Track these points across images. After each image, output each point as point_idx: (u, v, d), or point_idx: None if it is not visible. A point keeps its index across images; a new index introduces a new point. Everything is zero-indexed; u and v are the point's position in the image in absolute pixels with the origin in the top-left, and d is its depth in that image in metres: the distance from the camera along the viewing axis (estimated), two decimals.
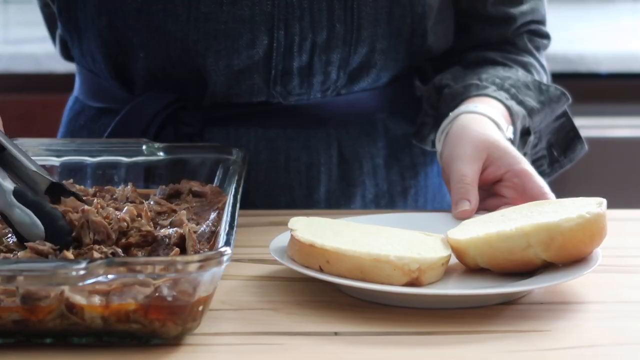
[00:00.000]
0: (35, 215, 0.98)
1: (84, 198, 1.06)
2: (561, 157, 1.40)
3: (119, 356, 0.88)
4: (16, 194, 0.98)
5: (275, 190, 1.36)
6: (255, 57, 1.30)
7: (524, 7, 1.40)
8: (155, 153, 1.26)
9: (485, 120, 1.27)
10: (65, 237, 0.98)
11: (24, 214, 0.98)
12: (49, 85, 2.47)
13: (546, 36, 1.45)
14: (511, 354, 0.89)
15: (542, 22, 1.44)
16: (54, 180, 1.04)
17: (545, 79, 1.43)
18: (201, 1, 1.28)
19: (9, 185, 0.99)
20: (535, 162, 1.39)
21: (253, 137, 1.35)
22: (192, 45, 1.30)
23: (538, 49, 1.44)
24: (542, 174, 1.40)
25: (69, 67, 2.44)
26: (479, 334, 0.94)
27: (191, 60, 1.31)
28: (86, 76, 1.43)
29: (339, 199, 1.38)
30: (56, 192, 1.04)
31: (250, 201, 1.35)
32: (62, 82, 2.41)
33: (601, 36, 2.67)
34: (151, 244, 1.00)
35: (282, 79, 1.32)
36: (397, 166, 1.42)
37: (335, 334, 0.93)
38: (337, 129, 1.37)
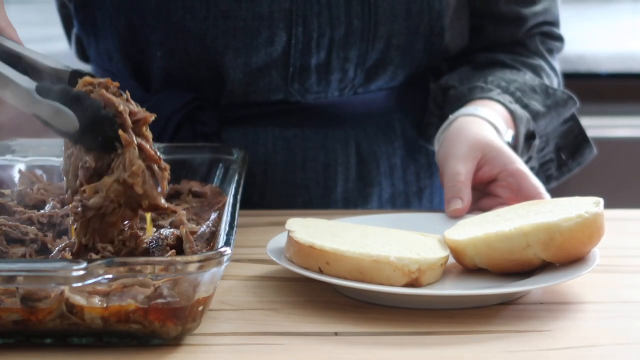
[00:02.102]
0: (64, 104, 0.94)
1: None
2: (569, 160, 1.40)
3: (119, 356, 0.88)
4: (39, 89, 0.95)
5: (292, 191, 1.37)
6: (273, 54, 1.30)
7: (537, 8, 1.41)
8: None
9: (483, 123, 1.27)
10: (99, 112, 0.95)
11: (52, 108, 0.95)
12: None
13: (559, 39, 1.45)
14: (511, 354, 0.89)
15: (555, 23, 1.44)
16: (73, 69, 1.01)
17: (555, 82, 1.43)
18: None
19: (30, 84, 0.96)
20: (543, 166, 1.39)
21: (270, 137, 1.35)
22: (211, 43, 1.30)
23: (550, 51, 1.44)
24: (550, 177, 1.40)
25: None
26: (478, 334, 0.94)
27: (209, 58, 1.31)
28: (102, 76, 1.43)
29: (355, 199, 1.38)
30: (79, 78, 1.01)
31: (267, 201, 1.35)
32: None
33: (601, 36, 2.68)
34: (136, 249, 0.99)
35: (300, 76, 1.32)
36: (413, 166, 1.42)
37: (335, 334, 0.93)
38: (355, 128, 1.37)
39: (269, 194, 1.36)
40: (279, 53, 1.30)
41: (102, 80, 0.97)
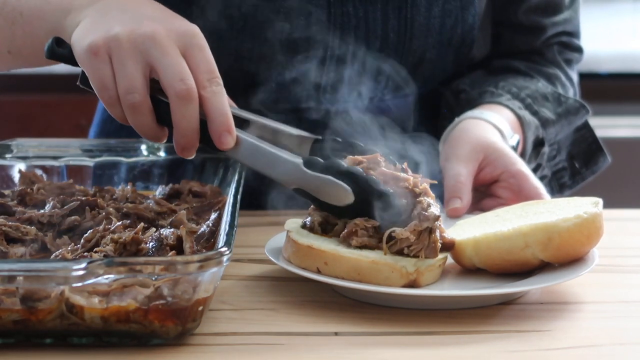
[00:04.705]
0: (335, 177, 0.97)
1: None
2: (583, 169, 1.40)
3: (119, 356, 0.88)
4: (307, 163, 0.98)
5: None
6: (308, 65, 1.30)
7: (557, 18, 1.41)
8: (155, 153, 1.26)
9: (487, 125, 1.27)
10: (379, 187, 0.97)
11: (323, 180, 0.97)
12: (49, 85, 2.47)
13: (578, 49, 1.45)
14: (511, 354, 0.90)
15: (574, 34, 1.44)
16: (316, 137, 1.03)
17: (571, 92, 1.43)
18: (257, 9, 1.28)
19: (296, 158, 0.98)
20: (556, 174, 1.40)
21: None
22: (246, 53, 1.29)
23: (569, 62, 1.44)
24: (563, 185, 1.40)
25: (68, 67, 2.44)
26: (478, 334, 0.94)
27: (243, 67, 1.30)
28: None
29: None
30: (320, 147, 1.04)
31: (294, 204, 1.35)
32: (62, 82, 2.41)
33: (601, 36, 2.67)
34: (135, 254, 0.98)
35: (332, 87, 1.32)
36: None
37: (335, 334, 0.94)
38: None
39: (297, 197, 1.36)
40: (313, 65, 1.30)
41: (370, 156, 1.01)
